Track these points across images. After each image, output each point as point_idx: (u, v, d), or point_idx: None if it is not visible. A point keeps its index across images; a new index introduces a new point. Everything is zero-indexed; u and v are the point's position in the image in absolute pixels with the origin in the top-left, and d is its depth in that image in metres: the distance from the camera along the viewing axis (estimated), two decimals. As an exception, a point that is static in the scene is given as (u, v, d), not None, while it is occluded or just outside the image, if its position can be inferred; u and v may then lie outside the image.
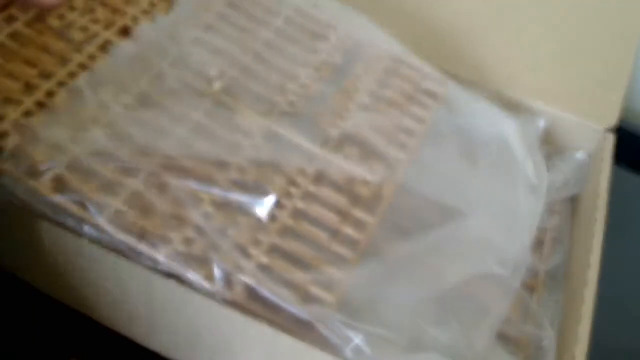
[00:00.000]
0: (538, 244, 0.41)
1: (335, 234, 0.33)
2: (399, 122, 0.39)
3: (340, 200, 0.34)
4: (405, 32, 0.47)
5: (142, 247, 0.30)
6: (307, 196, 0.34)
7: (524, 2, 0.46)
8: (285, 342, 0.29)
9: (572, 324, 0.34)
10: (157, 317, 0.34)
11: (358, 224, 0.34)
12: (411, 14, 0.48)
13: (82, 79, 0.34)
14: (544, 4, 0.46)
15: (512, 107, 0.46)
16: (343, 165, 0.36)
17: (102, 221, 0.30)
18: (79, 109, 0.33)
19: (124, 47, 0.36)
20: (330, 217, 0.34)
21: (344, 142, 0.37)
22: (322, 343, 0.29)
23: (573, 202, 0.45)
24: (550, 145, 0.47)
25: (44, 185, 0.30)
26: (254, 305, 0.29)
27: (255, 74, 0.38)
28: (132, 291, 0.33)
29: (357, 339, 0.29)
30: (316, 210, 0.34)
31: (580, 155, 0.46)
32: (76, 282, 0.36)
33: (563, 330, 0.37)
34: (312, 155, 0.36)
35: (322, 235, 0.33)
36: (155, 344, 0.37)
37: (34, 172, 0.31)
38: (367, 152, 0.37)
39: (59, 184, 0.30)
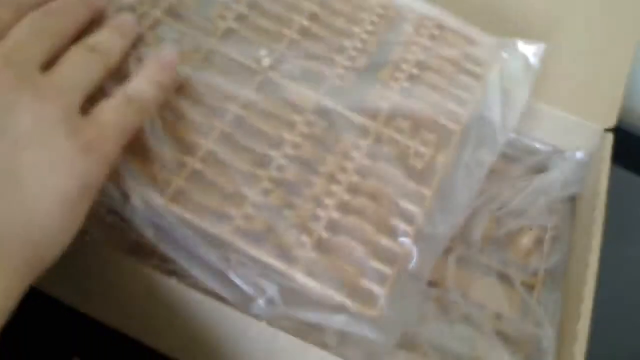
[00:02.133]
0: (537, 243, 0.41)
1: (391, 209, 0.33)
2: (449, 93, 0.38)
3: (396, 173, 0.34)
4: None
5: (206, 224, 0.30)
6: (362, 170, 0.34)
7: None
8: (285, 341, 0.30)
9: (571, 322, 0.34)
10: (158, 315, 0.34)
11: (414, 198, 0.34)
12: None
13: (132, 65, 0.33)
14: (544, 4, 0.46)
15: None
16: (396, 138, 0.35)
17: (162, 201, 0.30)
18: None
19: (172, 26, 0.35)
20: (387, 191, 0.33)
21: (394, 115, 0.36)
22: (237, 294, 0.29)
23: (572, 202, 0.45)
24: (550, 145, 0.47)
25: None
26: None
27: (301, 48, 0.37)
28: (133, 289, 0.33)
29: (271, 291, 0.29)
30: (372, 185, 0.33)
31: (579, 155, 0.46)
32: (78, 280, 0.36)
33: (562, 329, 0.37)
34: (364, 129, 0.35)
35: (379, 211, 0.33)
36: (156, 342, 0.37)
37: None
38: (418, 125, 0.36)
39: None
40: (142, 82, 0.29)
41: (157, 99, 0.30)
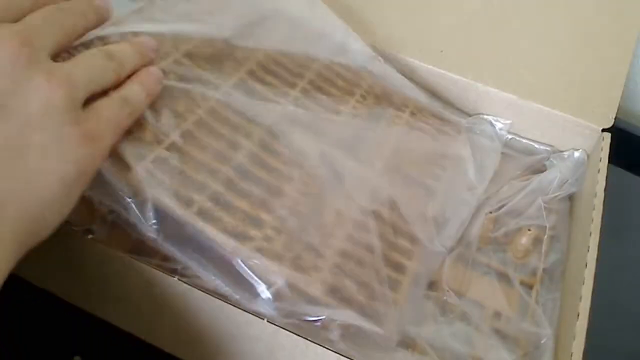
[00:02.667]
0: (536, 243, 0.42)
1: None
2: (430, 159, 0.43)
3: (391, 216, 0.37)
4: (405, 32, 0.48)
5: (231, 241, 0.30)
6: (364, 212, 0.36)
7: (524, 4, 0.47)
8: (286, 338, 0.30)
9: (569, 321, 0.34)
10: (160, 313, 0.34)
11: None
12: (411, 13, 0.48)
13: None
14: (544, 6, 0.46)
15: (510, 106, 0.46)
16: (389, 190, 0.38)
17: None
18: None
19: (190, 69, 0.37)
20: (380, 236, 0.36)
21: (387, 170, 0.39)
22: (245, 286, 0.30)
23: (571, 201, 0.45)
24: (548, 145, 0.47)
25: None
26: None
27: (303, 105, 0.40)
28: (135, 288, 0.33)
29: (280, 282, 0.30)
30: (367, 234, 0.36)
31: (577, 154, 0.46)
32: (80, 279, 0.36)
33: (561, 327, 0.37)
34: (364, 178, 0.38)
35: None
36: (158, 341, 0.37)
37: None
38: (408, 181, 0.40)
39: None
40: (136, 88, 0.31)
41: (146, 104, 0.32)
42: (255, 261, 0.30)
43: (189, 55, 0.37)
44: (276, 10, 0.44)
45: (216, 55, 0.39)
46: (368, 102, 0.44)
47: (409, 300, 0.35)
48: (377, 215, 0.36)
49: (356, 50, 0.46)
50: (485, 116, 0.48)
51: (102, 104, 0.29)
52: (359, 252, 0.34)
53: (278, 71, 0.41)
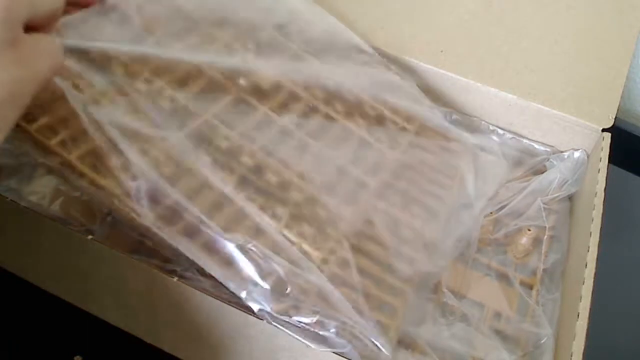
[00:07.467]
0: (536, 243, 0.42)
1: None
2: (431, 178, 0.42)
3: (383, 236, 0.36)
4: (405, 32, 0.48)
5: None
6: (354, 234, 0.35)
7: (524, 4, 0.47)
8: (286, 339, 0.30)
9: (569, 321, 0.35)
10: (160, 313, 0.34)
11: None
12: (411, 13, 0.48)
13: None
14: (544, 6, 0.46)
15: (511, 106, 0.46)
16: (389, 211, 0.38)
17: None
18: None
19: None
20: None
21: (385, 190, 0.39)
22: (240, 274, 0.30)
23: (571, 201, 0.45)
24: (548, 146, 0.47)
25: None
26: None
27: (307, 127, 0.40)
28: (135, 288, 0.33)
29: (280, 271, 0.30)
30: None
31: (577, 154, 0.46)
32: (81, 279, 0.36)
33: (561, 327, 0.37)
34: (357, 196, 0.37)
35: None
36: (158, 341, 0.37)
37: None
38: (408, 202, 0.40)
39: None
40: None
41: None
42: (252, 247, 0.30)
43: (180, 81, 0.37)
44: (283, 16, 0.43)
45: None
46: (371, 120, 0.43)
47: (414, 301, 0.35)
48: (368, 237, 0.36)
49: (364, 55, 0.45)
50: (492, 127, 0.48)
51: (39, 34, 0.26)
52: (362, 261, 0.34)
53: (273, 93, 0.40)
